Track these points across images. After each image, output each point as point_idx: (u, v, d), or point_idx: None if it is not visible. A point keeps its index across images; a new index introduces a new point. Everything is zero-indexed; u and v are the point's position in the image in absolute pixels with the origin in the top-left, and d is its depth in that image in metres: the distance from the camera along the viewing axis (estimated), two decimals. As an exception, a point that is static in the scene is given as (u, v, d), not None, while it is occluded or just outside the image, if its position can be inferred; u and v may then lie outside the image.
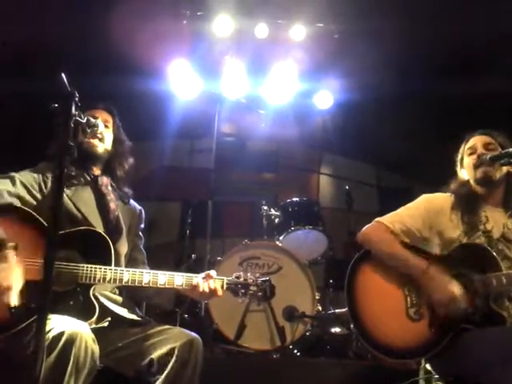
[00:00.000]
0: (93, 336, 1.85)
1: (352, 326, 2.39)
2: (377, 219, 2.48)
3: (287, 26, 5.23)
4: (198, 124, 5.50)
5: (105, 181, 2.37)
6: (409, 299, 2.29)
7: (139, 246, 2.49)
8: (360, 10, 4.68)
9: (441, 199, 2.50)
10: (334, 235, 4.66)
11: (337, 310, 4.15)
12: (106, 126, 2.43)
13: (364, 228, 2.49)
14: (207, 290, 2.16)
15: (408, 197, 2.60)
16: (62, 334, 1.76)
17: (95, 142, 2.36)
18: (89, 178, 2.34)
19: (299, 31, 5.22)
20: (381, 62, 4.94)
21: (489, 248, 2.27)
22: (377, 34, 4.79)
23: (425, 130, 5.46)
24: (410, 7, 4.51)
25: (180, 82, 5.23)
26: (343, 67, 5.23)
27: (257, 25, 5.16)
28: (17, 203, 2.11)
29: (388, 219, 2.45)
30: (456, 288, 2.18)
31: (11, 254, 1.93)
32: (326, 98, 5.82)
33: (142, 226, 2.54)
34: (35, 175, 2.23)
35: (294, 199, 4.58)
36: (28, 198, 2.15)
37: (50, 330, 1.78)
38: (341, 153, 6.33)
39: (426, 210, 2.44)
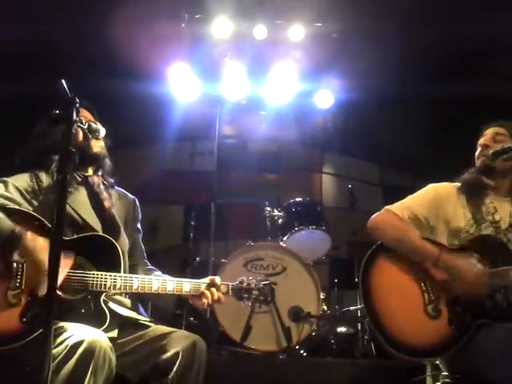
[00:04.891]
0: (111, 345, 1.86)
1: (370, 323, 2.33)
2: (386, 207, 2.47)
3: (286, 26, 5.24)
4: (199, 126, 5.49)
5: (96, 180, 2.34)
6: (426, 295, 2.24)
7: (138, 240, 2.47)
8: (357, 9, 4.68)
9: (447, 188, 2.50)
10: (338, 234, 4.65)
11: (351, 308, 4.12)
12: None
13: (374, 215, 2.47)
14: (210, 301, 2.17)
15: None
16: (81, 342, 1.76)
17: (99, 144, 2.34)
18: (80, 179, 2.31)
19: (298, 31, 5.23)
20: (380, 60, 4.94)
21: (502, 240, 2.26)
22: (375, 33, 4.79)
23: (428, 128, 5.45)
24: (407, 7, 4.50)
25: (180, 85, 5.24)
26: (343, 66, 5.22)
27: (255, 26, 5.17)
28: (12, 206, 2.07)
29: (397, 207, 2.45)
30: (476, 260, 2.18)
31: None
32: (327, 97, 5.82)
33: (140, 216, 2.51)
34: (28, 180, 2.19)
35: (297, 199, 4.57)
36: (22, 202, 2.12)
37: (68, 337, 1.78)
38: (343, 152, 6.32)
39: (433, 199, 2.45)
